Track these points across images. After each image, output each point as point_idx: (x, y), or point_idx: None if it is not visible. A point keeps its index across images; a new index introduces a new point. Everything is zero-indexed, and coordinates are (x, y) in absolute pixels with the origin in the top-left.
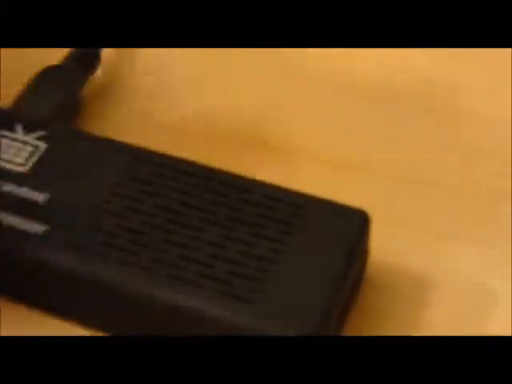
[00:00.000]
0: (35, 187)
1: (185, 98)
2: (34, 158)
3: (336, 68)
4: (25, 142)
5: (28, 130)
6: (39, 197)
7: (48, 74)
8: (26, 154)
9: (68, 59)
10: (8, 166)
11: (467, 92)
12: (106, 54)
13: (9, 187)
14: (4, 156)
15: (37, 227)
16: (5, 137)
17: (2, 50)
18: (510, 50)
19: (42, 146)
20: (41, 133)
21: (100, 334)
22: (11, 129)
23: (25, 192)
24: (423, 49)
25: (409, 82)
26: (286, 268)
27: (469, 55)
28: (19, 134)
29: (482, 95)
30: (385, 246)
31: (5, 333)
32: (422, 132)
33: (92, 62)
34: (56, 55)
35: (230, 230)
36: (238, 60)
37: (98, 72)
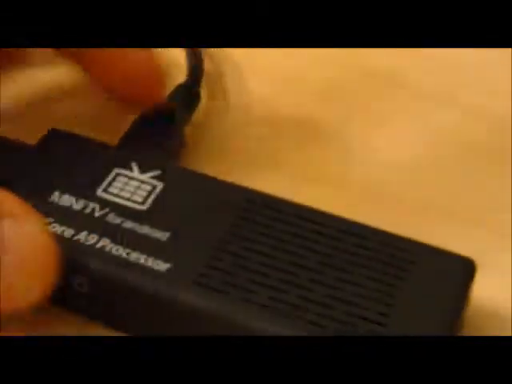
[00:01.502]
0: (156, 225)
1: None
2: (152, 197)
3: None
4: (142, 181)
5: (144, 169)
6: (160, 235)
7: (151, 115)
8: (144, 193)
9: (169, 99)
10: (128, 204)
11: None
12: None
13: (131, 224)
14: (123, 194)
15: (162, 264)
16: (123, 175)
17: None
18: None
19: (159, 185)
20: (156, 172)
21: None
22: (128, 168)
23: (146, 230)
24: None
25: None
26: (400, 312)
27: None
28: (135, 172)
29: None
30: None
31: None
32: None
33: (193, 100)
34: None
35: (348, 274)
36: None
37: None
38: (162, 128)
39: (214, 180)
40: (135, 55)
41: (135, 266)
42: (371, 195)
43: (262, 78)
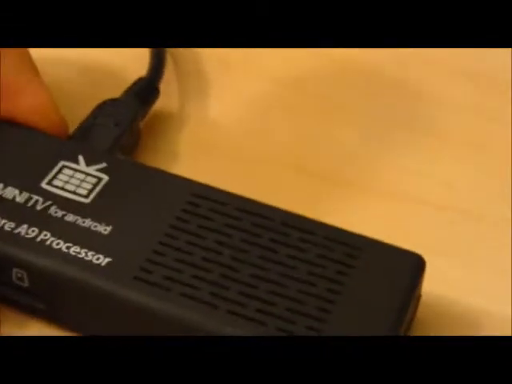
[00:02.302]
0: (98, 219)
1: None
2: (97, 190)
3: None
4: (87, 174)
5: (89, 162)
6: (102, 229)
7: (107, 108)
8: (88, 186)
9: (127, 93)
10: (72, 197)
11: None
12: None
13: (73, 218)
14: (68, 187)
15: (102, 259)
16: (68, 168)
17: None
18: None
19: (104, 178)
20: (102, 165)
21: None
22: (74, 160)
23: (88, 223)
24: None
25: None
26: (343, 308)
27: None
28: (82, 165)
29: None
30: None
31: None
32: None
33: (151, 95)
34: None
35: (290, 269)
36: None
37: (157, 105)
38: (116, 121)
39: (160, 173)
40: (27, 102)
41: (75, 260)
42: None
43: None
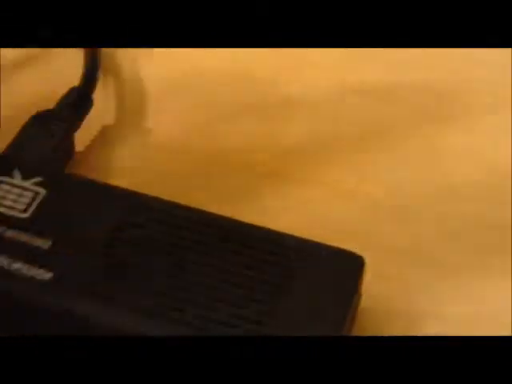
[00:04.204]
0: (38, 233)
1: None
2: (35, 204)
3: None
4: (24, 188)
5: (25, 175)
6: (42, 243)
7: (39, 119)
8: (26, 200)
9: (60, 104)
10: (10, 212)
11: None
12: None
13: (12, 233)
14: (5, 202)
15: (44, 274)
16: (4, 183)
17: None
18: None
19: (42, 191)
20: (38, 178)
21: None
22: (9, 175)
23: (28, 238)
24: None
25: None
26: (285, 312)
27: None
28: (18, 179)
29: None
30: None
31: None
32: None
33: (84, 105)
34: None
35: (231, 275)
36: None
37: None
38: (50, 133)
39: (98, 185)
40: None
41: (17, 276)
42: None
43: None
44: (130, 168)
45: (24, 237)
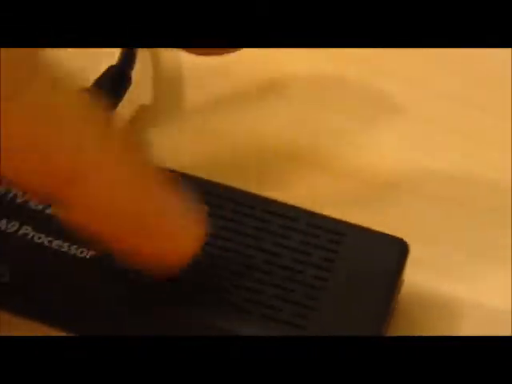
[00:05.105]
0: None
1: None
2: None
3: None
4: None
5: None
6: None
7: None
8: None
9: (97, 81)
10: None
11: None
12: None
13: (54, 210)
14: None
15: (85, 251)
16: None
17: None
18: None
19: None
20: None
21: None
22: None
23: None
24: None
25: None
26: (330, 295)
27: None
28: None
29: None
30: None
31: None
32: None
33: (123, 84)
34: None
35: (276, 257)
36: None
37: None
38: None
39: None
40: None
41: (58, 253)
42: None
43: None
44: (167, 150)
45: None
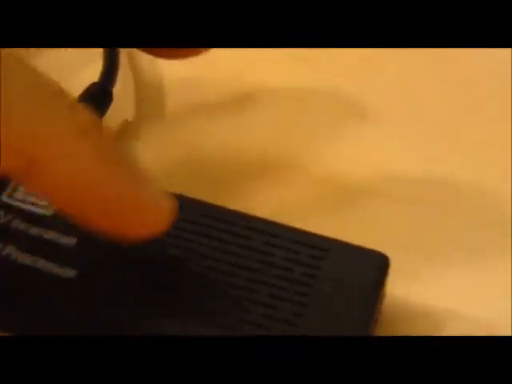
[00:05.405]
0: (62, 231)
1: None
2: None
3: None
4: None
5: None
6: (67, 240)
7: None
8: None
9: (79, 99)
10: (34, 210)
11: None
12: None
13: (36, 231)
14: (29, 199)
15: (69, 271)
16: None
17: None
18: None
19: None
20: None
21: None
22: None
23: (52, 235)
24: None
25: None
26: (313, 311)
27: None
28: None
29: None
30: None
31: None
32: None
33: (105, 100)
34: None
35: (258, 273)
36: None
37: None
38: None
39: None
40: None
41: (42, 273)
42: None
43: None
44: (147, 163)
45: (48, 234)
